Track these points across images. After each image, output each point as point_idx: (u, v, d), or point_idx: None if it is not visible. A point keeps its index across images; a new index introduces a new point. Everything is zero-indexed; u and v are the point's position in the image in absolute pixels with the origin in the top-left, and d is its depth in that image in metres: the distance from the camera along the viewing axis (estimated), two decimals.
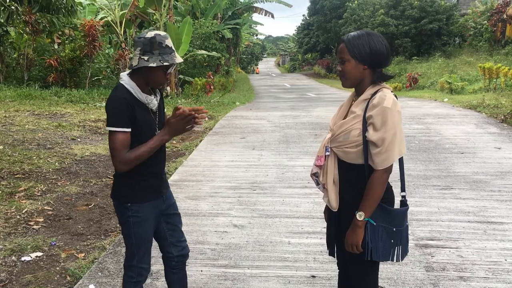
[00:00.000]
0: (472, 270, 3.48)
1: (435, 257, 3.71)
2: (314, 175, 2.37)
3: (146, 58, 2.27)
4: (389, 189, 2.20)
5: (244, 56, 52.89)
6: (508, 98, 11.46)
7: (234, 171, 6.40)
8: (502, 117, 9.25)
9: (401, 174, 2.27)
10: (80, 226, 4.57)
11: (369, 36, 2.15)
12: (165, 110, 2.71)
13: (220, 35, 22.46)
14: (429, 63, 24.53)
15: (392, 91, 2.18)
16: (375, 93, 2.15)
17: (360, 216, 2.12)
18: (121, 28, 15.45)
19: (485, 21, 24.86)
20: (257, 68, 65.14)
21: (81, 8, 16.82)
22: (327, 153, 2.27)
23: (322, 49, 44.74)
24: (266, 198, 5.27)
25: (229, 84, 21.28)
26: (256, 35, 53.98)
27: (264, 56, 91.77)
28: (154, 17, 17.20)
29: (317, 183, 2.38)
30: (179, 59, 2.37)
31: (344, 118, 2.28)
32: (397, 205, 2.25)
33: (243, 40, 38.17)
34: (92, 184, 5.87)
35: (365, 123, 2.13)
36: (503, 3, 23.74)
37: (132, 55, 15.06)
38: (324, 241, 4.11)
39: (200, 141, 8.61)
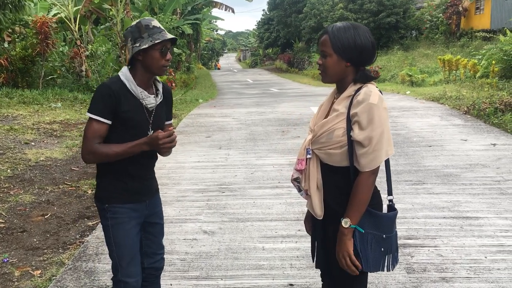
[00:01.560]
0: (453, 270, 3.37)
1: (415, 257, 3.59)
2: (295, 180, 2.15)
3: (137, 44, 2.20)
4: (376, 193, 2.02)
5: (205, 52, 52.31)
6: (469, 89, 11.65)
7: (201, 172, 6.13)
8: (465, 109, 9.35)
9: (388, 176, 2.08)
10: (35, 239, 4.20)
11: (355, 29, 1.95)
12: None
13: (180, 31, 21.97)
14: (388, 56, 24.87)
15: (377, 87, 2.00)
16: (359, 89, 1.96)
17: (345, 223, 1.93)
18: (75, 24, 14.79)
19: (440, 14, 25.47)
20: (219, 63, 64.70)
21: (32, 4, 16.02)
22: (309, 156, 2.06)
23: (283, 43, 44.72)
24: (236, 200, 5.03)
25: (191, 81, 20.87)
26: (216, 31, 53.44)
27: (225, 51, 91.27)
28: (110, 13, 16.59)
29: (299, 189, 2.17)
30: (170, 35, 2.26)
31: (326, 117, 2.07)
32: (384, 210, 2.07)
33: (204, 36, 37.65)
34: (48, 191, 5.47)
35: (350, 122, 1.93)
36: None
37: (88, 51, 14.48)
38: (299, 245, 3.94)
39: None
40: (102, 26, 17.83)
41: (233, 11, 26.61)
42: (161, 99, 2.35)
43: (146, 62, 2.21)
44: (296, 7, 36.23)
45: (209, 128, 9.26)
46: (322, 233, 2.13)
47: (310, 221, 2.25)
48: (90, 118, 2.19)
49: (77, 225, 4.62)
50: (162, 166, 6.45)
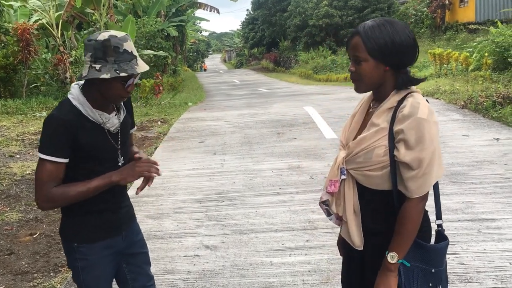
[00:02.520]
0: (478, 280, 3.13)
1: None
2: (324, 203, 1.89)
3: (97, 67, 1.78)
4: (424, 217, 1.74)
5: (190, 54, 51.85)
6: (462, 83, 11.50)
7: (197, 180, 5.84)
8: (462, 103, 9.17)
9: (436, 197, 1.80)
10: (24, 262, 3.89)
11: (391, 25, 1.66)
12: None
13: (165, 33, 21.62)
14: None
15: (424, 95, 1.73)
16: (403, 99, 1.68)
17: (392, 257, 1.66)
18: (58, 30, 14.36)
19: (425, 8, 25.43)
20: (205, 64, 64.28)
21: (12, 10, 15.56)
22: (343, 177, 1.79)
23: (268, 43, 44.47)
24: (237, 210, 4.76)
25: (179, 84, 20.53)
26: (201, 32, 53.00)
27: (210, 53, 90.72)
28: (93, 17, 16.19)
29: (328, 213, 1.90)
30: (142, 67, 1.85)
31: (360, 131, 1.81)
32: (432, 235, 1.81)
33: (189, 38, 37.26)
34: (36, 208, 5.14)
35: (393, 139, 1.65)
36: None
37: (73, 57, 14.08)
38: (310, 258, 3.67)
39: (155, 148, 7.96)
40: (85, 31, 17.41)
41: (218, 12, 26.33)
42: (124, 113, 2.00)
43: (102, 89, 1.84)
44: (281, 6, 36.01)
45: (201, 132, 8.97)
46: (359, 259, 1.86)
47: (344, 246, 1.97)
48: (42, 159, 1.81)
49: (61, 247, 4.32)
50: None
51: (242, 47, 59.96)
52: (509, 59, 10.74)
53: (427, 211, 1.77)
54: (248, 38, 48.63)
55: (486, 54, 11.50)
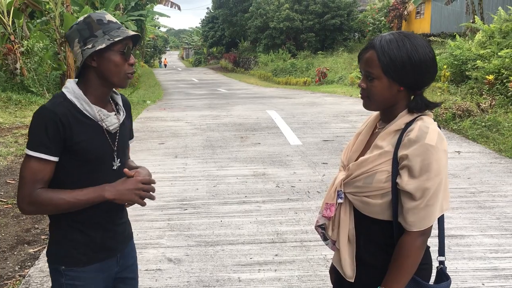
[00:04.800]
0: None
1: None
2: (320, 227, 1.72)
3: (90, 45, 1.64)
4: (425, 253, 1.58)
5: (147, 50, 50.76)
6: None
7: (157, 185, 5.45)
8: None
9: (441, 231, 1.65)
10: None
11: (411, 41, 1.49)
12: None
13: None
14: (334, 57, 25.08)
15: (434, 119, 1.57)
16: (412, 121, 1.52)
17: None
18: (9, 18, 13.54)
19: (383, 18, 25.99)
20: (165, 59, 63.24)
21: None
22: (340, 201, 1.62)
23: (228, 42, 44.18)
24: (201, 219, 4.53)
25: (137, 81, 19.93)
26: (159, 27, 51.99)
27: (167, 49, 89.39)
28: (47, 6, 15.40)
29: (324, 238, 1.73)
30: (131, 31, 1.68)
31: (363, 152, 1.64)
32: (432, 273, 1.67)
33: (148, 33, 36.38)
34: None
35: (397, 165, 1.50)
36: (399, 1, 24.89)
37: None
38: (280, 274, 3.49)
39: None
40: (38, 20, 16.54)
41: (179, 8, 25.82)
42: (124, 115, 1.81)
43: (103, 69, 1.65)
44: (242, 6, 35.82)
45: (161, 133, 8.63)
46: None
47: (335, 275, 1.80)
48: (28, 155, 1.60)
49: (15, 253, 3.96)
50: None
51: (201, 45, 59.30)
52: (466, 72, 11.04)
53: (429, 247, 1.63)
54: (208, 37, 48.14)
55: (445, 66, 11.78)
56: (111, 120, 1.71)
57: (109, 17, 1.68)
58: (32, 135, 1.61)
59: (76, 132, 1.62)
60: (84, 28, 1.64)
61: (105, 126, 1.69)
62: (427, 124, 1.49)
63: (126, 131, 1.83)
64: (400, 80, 1.50)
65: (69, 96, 1.64)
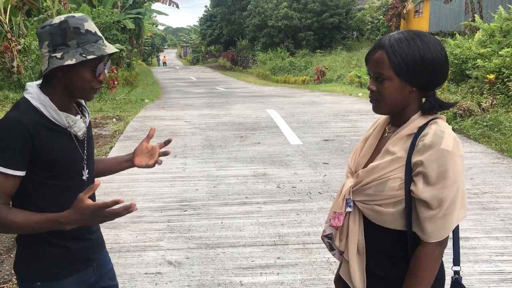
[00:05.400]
0: None
1: None
2: (326, 237, 1.64)
3: (59, 55, 1.49)
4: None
5: (145, 48, 50.61)
6: None
7: (157, 186, 5.47)
8: None
9: (455, 239, 1.57)
10: None
11: (422, 40, 1.42)
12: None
13: (122, 25, 20.81)
14: (333, 56, 25.00)
15: (448, 123, 1.49)
16: (425, 125, 1.45)
17: None
18: (5, 15, 13.42)
19: (381, 16, 25.93)
20: (164, 57, 63.18)
21: None
22: (349, 209, 1.54)
23: (226, 41, 44.03)
24: (201, 221, 4.46)
25: (133, 79, 19.83)
26: (157, 26, 51.81)
27: (165, 47, 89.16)
28: (45, 3, 15.28)
29: (331, 248, 1.66)
30: (110, 48, 1.54)
31: (372, 157, 1.57)
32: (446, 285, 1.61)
33: (146, 31, 36.25)
34: None
35: (410, 171, 1.42)
36: None
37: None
38: (282, 278, 3.42)
39: (111, 148, 7.49)
40: (35, 18, 16.41)
41: (177, 6, 25.70)
42: (89, 116, 1.72)
43: (68, 82, 1.54)
44: (240, 5, 35.69)
45: (160, 133, 8.54)
46: None
47: (341, 286, 1.72)
48: None
49: (11, 255, 3.88)
50: (111, 178, 5.72)
51: (199, 43, 59.13)
52: (467, 71, 10.98)
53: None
54: (206, 35, 47.99)
55: None
56: (79, 125, 1.61)
57: (88, 25, 1.53)
58: None
59: (46, 142, 1.51)
60: (57, 33, 1.50)
61: (74, 132, 1.60)
62: (442, 128, 1.42)
63: (91, 136, 1.74)
64: (412, 80, 1.43)
65: (34, 103, 1.52)
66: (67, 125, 1.57)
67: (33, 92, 1.54)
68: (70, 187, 1.58)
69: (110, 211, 1.42)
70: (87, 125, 1.68)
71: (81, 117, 1.65)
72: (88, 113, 1.72)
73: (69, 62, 1.47)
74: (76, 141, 1.61)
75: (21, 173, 1.49)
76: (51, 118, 1.53)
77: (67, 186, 1.58)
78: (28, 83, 1.60)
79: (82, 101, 1.71)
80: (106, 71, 1.59)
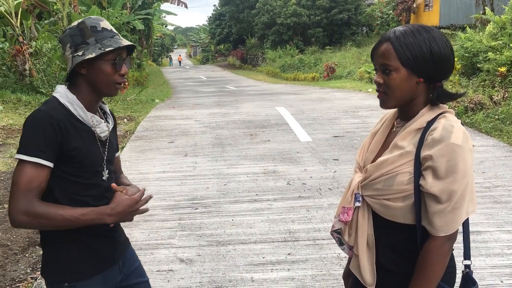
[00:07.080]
0: None
1: None
2: (335, 231, 1.66)
3: (80, 53, 1.61)
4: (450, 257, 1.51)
5: (155, 48, 50.87)
6: None
7: (168, 184, 5.52)
8: None
9: (465, 233, 1.57)
10: None
11: (427, 32, 1.44)
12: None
13: (131, 27, 20.95)
14: (342, 52, 24.90)
15: (458, 117, 1.51)
16: (434, 119, 1.45)
17: None
18: (17, 19, 13.60)
19: (391, 11, 25.74)
20: (180, 56, 63.62)
21: None
22: (358, 204, 1.55)
23: (235, 39, 44.10)
24: (212, 218, 4.49)
25: (144, 79, 19.95)
26: (166, 26, 52.09)
27: (175, 47, 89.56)
28: (55, 6, 15.44)
29: (340, 243, 1.67)
30: (127, 41, 1.65)
31: (380, 152, 1.57)
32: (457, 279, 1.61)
33: (155, 32, 36.45)
34: None
35: (419, 165, 1.43)
36: None
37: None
38: (293, 273, 3.44)
39: (122, 148, 7.56)
40: (46, 21, 16.60)
41: (186, 6, 25.79)
42: (112, 124, 1.80)
43: (92, 77, 1.63)
44: (249, 3, 35.71)
45: (170, 132, 8.60)
46: None
47: (353, 281, 1.74)
48: (22, 161, 1.51)
49: (27, 255, 3.94)
50: None
51: (208, 43, 59.29)
52: (478, 65, 10.88)
53: (453, 249, 1.56)
54: (215, 34, 48.12)
55: (456, 59, 11.61)
56: (103, 127, 1.69)
57: (104, 24, 1.65)
58: (26, 139, 1.53)
59: (72, 138, 1.57)
60: (76, 33, 1.62)
61: (97, 133, 1.67)
62: (451, 122, 1.42)
63: (114, 141, 1.81)
64: (419, 70, 1.44)
65: (62, 100, 1.60)
66: (92, 125, 1.65)
67: (61, 91, 1.63)
68: (91, 185, 1.64)
69: (143, 208, 1.65)
70: (110, 129, 1.75)
71: (104, 122, 1.72)
72: (112, 120, 1.80)
73: (89, 55, 1.57)
74: (99, 142, 1.68)
75: (51, 164, 1.54)
76: (77, 116, 1.61)
77: (88, 184, 1.63)
78: (58, 85, 1.70)
79: (107, 109, 1.79)
80: (127, 66, 1.68)
